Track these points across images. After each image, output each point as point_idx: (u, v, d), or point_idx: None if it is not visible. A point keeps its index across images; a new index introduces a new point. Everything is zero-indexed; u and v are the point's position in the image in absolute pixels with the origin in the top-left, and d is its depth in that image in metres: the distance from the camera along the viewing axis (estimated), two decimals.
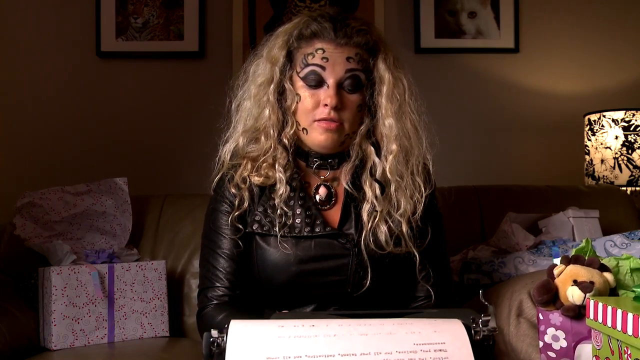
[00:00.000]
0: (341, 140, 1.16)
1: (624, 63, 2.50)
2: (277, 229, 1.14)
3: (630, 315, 0.75)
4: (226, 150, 1.22)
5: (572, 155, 2.46)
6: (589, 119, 2.30)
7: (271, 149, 1.19)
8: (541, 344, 0.94)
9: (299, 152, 1.22)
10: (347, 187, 1.18)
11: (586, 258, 0.96)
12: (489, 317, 0.82)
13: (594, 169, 2.27)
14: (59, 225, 1.60)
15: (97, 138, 2.42)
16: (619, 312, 0.77)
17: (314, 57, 1.14)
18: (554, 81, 2.50)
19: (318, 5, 2.44)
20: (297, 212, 1.16)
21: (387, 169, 1.16)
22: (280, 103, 1.19)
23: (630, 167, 2.19)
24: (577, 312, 0.91)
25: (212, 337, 0.80)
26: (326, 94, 1.13)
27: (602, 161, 2.24)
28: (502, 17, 2.47)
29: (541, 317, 0.94)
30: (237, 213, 1.18)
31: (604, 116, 2.24)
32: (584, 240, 0.99)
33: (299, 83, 1.16)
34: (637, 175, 2.18)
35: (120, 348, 1.41)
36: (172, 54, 2.44)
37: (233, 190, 1.19)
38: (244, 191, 1.19)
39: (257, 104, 1.20)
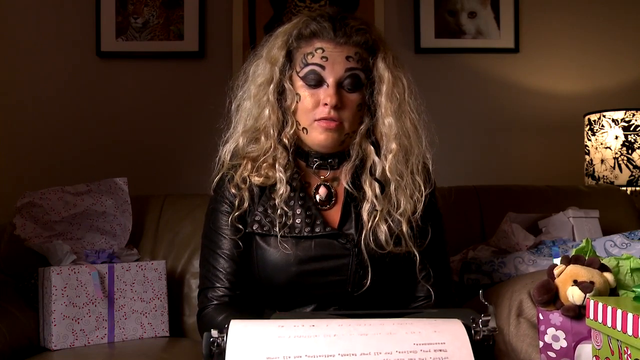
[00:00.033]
0: (341, 140, 1.16)
1: (624, 63, 2.50)
2: (277, 229, 1.14)
3: (630, 315, 0.75)
4: (226, 151, 1.22)
5: (572, 155, 2.46)
6: (589, 119, 2.30)
7: (271, 149, 1.19)
8: (541, 344, 0.94)
9: (299, 152, 1.22)
10: (347, 186, 1.18)
11: (586, 258, 0.96)
12: (489, 317, 0.82)
13: (594, 169, 2.27)
14: (59, 225, 1.60)
15: (97, 138, 2.42)
16: (619, 312, 0.77)
17: (313, 56, 1.14)
18: (554, 81, 2.50)
19: (318, 5, 2.44)
20: (297, 212, 1.16)
21: (387, 168, 1.16)
22: (280, 103, 1.19)
23: (630, 167, 2.19)
24: (577, 312, 0.91)
25: (212, 337, 0.80)
26: (326, 93, 1.13)
27: (602, 161, 2.24)
28: (502, 17, 2.47)
29: (541, 317, 0.94)
30: (237, 213, 1.18)
31: (604, 116, 2.24)
32: (584, 240, 0.99)
33: (299, 83, 1.16)
34: (637, 175, 2.18)
35: (120, 348, 1.41)
36: (172, 54, 2.44)
37: (233, 191, 1.19)
38: (244, 191, 1.19)
39: (257, 104, 1.20)
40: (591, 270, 0.93)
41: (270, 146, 1.19)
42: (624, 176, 2.19)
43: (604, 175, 2.23)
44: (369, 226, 1.14)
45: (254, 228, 1.17)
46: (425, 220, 1.17)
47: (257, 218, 1.17)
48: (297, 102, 1.16)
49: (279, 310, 1.13)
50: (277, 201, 1.16)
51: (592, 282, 0.91)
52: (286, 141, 1.18)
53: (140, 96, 2.45)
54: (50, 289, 1.39)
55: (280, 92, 1.19)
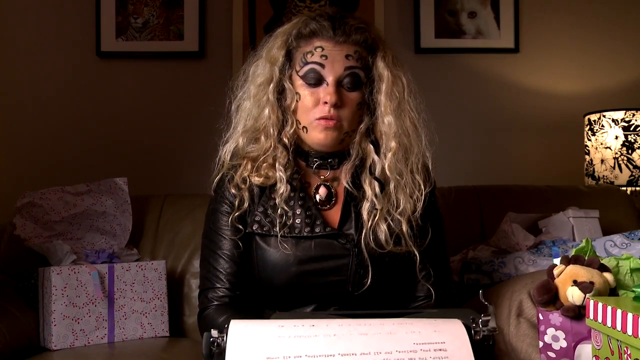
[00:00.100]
0: (340, 138, 1.16)
1: (624, 63, 2.50)
2: (277, 229, 1.14)
3: (630, 315, 0.75)
4: (226, 151, 1.22)
5: (572, 155, 2.46)
6: (589, 119, 2.30)
7: (271, 148, 1.19)
8: (541, 344, 0.94)
9: (299, 152, 1.22)
10: (347, 186, 1.18)
11: (586, 258, 0.96)
12: (489, 317, 0.83)
13: (594, 169, 2.27)
14: (59, 225, 1.60)
15: (97, 138, 2.42)
16: (619, 312, 0.77)
17: (313, 55, 1.14)
18: (554, 81, 2.50)
19: (318, 5, 2.44)
20: (297, 212, 1.16)
21: (387, 167, 1.16)
22: (280, 102, 1.19)
23: (630, 167, 2.19)
24: (577, 312, 0.91)
25: (212, 337, 0.80)
26: (326, 92, 1.13)
27: (602, 161, 2.24)
28: (502, 17, 2.47)
29: (541, 317, 0.94)
30: (237, 213, 1.18)
31: (604, 116, 2.24)
32: (584, 240, 0.99)
33: (299, 82, 1.16)
34: (637, 175, 2.18)
35: (120, 348, 1.41)
36: (172, 54, 2.44)
37: (233, 191, 1.19)
38: (244, 191, 1.19)
39: (257, 104, 1.20)
40: (591, 270, 0.93)
41: (270, 146, 1.19)
42: (624, 176, 2.19)
43: (604, 175, 2.23)
44: (369, 225, 1.14)
45: (254, 228, 1.17)
46: (425, 220, 1.17)
47: (257, 218, 1.17)
48: (297, 101, 1.16)
49: (279, 311, 1.13)
50: (277, 200, 1.16)
51: (591, 282, 0.91)
52: (286, 140, 1.18)
53: (140, 96, 2.45)
54: (50, 289, 1.39)
55: (280, 92, 1.19)
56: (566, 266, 0.95)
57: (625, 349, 0.77)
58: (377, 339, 0.76)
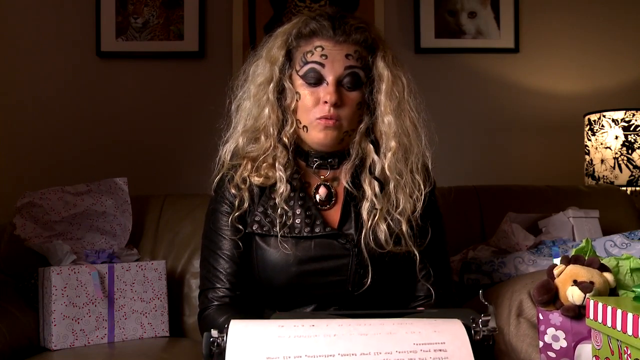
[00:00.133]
0: (340, 138, 1.16)
1: (624, 63, 2.50)
2: (277, 229, 1.14)
3: (630, 315, 0.75)
4: (226, 151, 1.22)
5: (572, 155, 2.46)
6: (589, 119, 2.30)
7: (271, 148, 1.19)
8: (541, 344, 0.94)
9: (299, 152, 1.22)
10: (347, 186, 1.18)
11: (586, 258, 0.96)
12: (489, 317, 0.82)
13: (594, 169, 2.27)
14: (59, 225, 1.60)
15: (97, 138, 2.42)
16: (619, 312, 0.77)
17: (313, 54, 1.14)
18: (554, 81, 2.50)
19: (318, 5, 2.44)
20: (297, 212, 1.16)
21: (386, 167, 1.16)
22: (280, 102, 1.19)
23: (630, 167, 2.19)
24: (577, 312, 0.91)
25: (212, 337, 0.80)
26: (325, 91, 1.13)
27: (602, 161, 2.24)
28: (502, 17, 2.47)
29: (541, 317, 0.94)
30: (237, 214, 1.18)
31: (604, 116, 2.24)
32: (584, 240, 0.99)
33: (299, 81, 1.16)
34: (637, 175, 2.18)
35: (120, 348, 1.41)
36: (172, 54, 2.44)
37: (233, 191, 1.19)
38: (244, 192, 1.19)
39: (257, 103, 1.20)
40: (591, 270, 0.93)
41: (270, 145, 1.19)
42: (624, 176, 2.19)
43: (604, 175, 2.23)
44: (369, 225, 1.14)
45: (254, 228, 1.17)
46: (424, 220, 1.17)
47: (256, 218, 1.17)
48: (297, 100, 1.16)
49: (279, 311, 1.13)
50: (277, 200, 1.16)
51: (592, 282, 0.91)
52: (286, 140, 1.18)
53: (140, 96, 2.45)
54: (50, 289, 1.39)
55: (280, 91, 1.19)
56: (566, 266, 0.95)
57: (625, 349, 0.77)
58: (377, 339, 0.76)
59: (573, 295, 0.91)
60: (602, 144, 2.24)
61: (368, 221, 1.14)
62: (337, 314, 0.91)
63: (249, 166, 1.20)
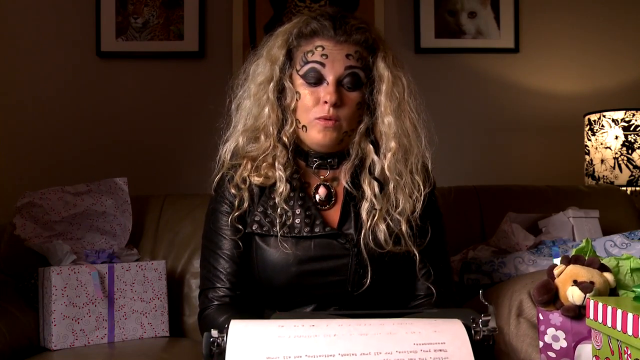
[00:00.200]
0: (340, 138, 1.16)
1: (624, 63, 2.50)
2: (277, 229, 1.14)
3: (630, 315, 0.75)
4: (226, 150, 1.22)
5: (572, 155, 2.46)
6: (589, 119, 2.30)
7: (270, 148, 1.19)
8: (541, 344, 0.94)
9: (298, 152, 1.22)
10: (346, 186, 1.18)
11: (586, 258, 0.96)
12: (489, 317, 0.82)
13: (594, 169, 2.27)
14: (59, 225, 1.60)
15: (97, 138, 2.42)
16: (619, 312, 0.77)
17: (313, 54, 1.14)
18: (554, 81, 2.50)
19: (318, 5, 2.44)
20: (297, 212, 1.16)
21: (386, 167, 1.16)
22: (280, 101, 1.19)
23: (630, 167, 2.19)
24: (577, 312, 0.91)
25: (212, 337, 0.80)
26: (326, 91, 1.13)
27: (602, 161, 2.24)
28: (502, 17, 2.47)
29: (541, 317, 0.94)
30: (236, 213, 1.18)
31: (604, 116, 2.24)
32: (584, 240, 0.99)
33: (299, 81, 1.16)
34: (637, 175, 2.18)
35: (120, 348, 1.41)
36: (172, 54, 2.44)
37: (233, 191, 1.19)
38: (243, 191, 1.19)
39: (257, 102, 1.20)
40: (591, 270, 0.93)
41: (270, 145, 1.19)
42: (624, 176, 2.19)
43: (604, 175, 2.23)
44: (368, 225, 1.14)
45: (254, 228, 1.17)
46: (424, 220, 1.17)
47: (256, 218, 1.17)
48: (296, 100, 1.16)
49: (279, 311, 1.13)
50: (276, 200, 1.16)
51: (592, 282, 0.91)
52: (286, 140, 1.18)
53: (140, 96, 2.45)
54: (50, 289, 1.39)
55: (280, 91, 1.19)
56: (566, 266, 0.95)
57: (625, 349, 0.77)
58: (377, 339, 0.76)
59: (573, 295, 0.91)
60: (602, 144, 2.24)
61: (367, 221, 1.14)
62: (337, 314, 0.91)
63: (249, 166, 1.20)
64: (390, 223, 1.14)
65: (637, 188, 2.22)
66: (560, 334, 0.92)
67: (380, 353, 0.74)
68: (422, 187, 1.17)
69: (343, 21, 1.15)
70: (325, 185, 1.20)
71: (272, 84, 1.18)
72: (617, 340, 0.78)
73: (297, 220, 1.15)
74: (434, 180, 1.24)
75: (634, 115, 2.20)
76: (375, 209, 1.15)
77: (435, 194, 1.26)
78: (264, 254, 1.16)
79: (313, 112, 1.14)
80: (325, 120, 1.13)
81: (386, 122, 1.16)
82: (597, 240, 1.41)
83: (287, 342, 0.75)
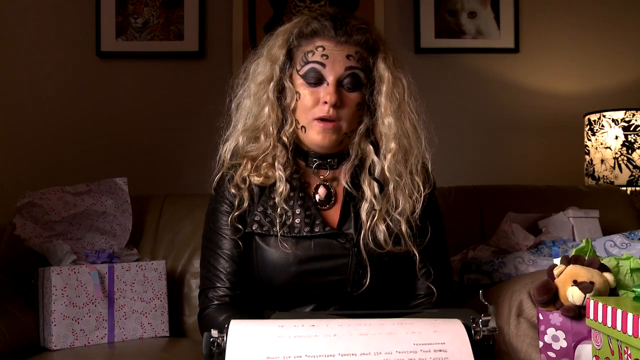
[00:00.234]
0: (339, 140, 1.16)
1: (624, 63, 2.50)
2: (277, 229, 1.14)
3: (630, 315, 0.75)
4: (226, 149, 1.22)
5: (572, 155, 2.46)
6: (589, 119, 2.30)
7: (270, 147, 1.19)
8: (541, 344, 0.94)
9: (298, 152, 1.22)
10: (346, 186, 1.18)
11: (586, 258, 0.96)
12: (489, 317, 0.82)
13: (594, 169, 2.27)
14: (59, 225, 1.60)
15: (97, 138, 2.42)
16: (619, 312, 0.77)
17: (314, 54, 1.14)
18: (554, 81, 2.50)
19: (318, 5, 2.44)
20: (297, 212, 1.16)
21: (386, 168, 1.16)
22: (280, 101, 1.19)
23: (630, 167, 2.19)
24: (577, 312, 0.91)
25: (212, 337, 0.80)
26: (326, 92, 1.13)
27: (602, 161, 2.24)
28: (502, 17, 2.47)
29: (541, 317, 0.94)
30: (236, 213, 1.18)
31: (604, 116, 2.24)
32: (584, 240, 0.99)
33: (299, 81, 1.16)
34: (637, 175, 2.18)
35: (120, 348, 1.41)
36: (172, 54, 2.44)
37: (233, 191, 1.19)
38: (243, 191, 1.19)
39: (257, 102, 1.20)
40: (591, 270, 0.93)
41: (270, 145, 1.19)
42: (624, 176, 2.19)
43: (604, 175, 2.23)
44: (368, 226, 1.14)
45: (254, 228, 1.17)
46: (424, 220, 1.17)
47: (256, 218, 1.17)
48: (296, 100, 1.16)
49: (279, 310, 1.13)
50: (276, 200, 1.16)
51: (592, 282, 0.91)
52: (285, 139, 1.18)
53: (140, 96, 2.45)
54: (50, 289, 1.39)
55: (280, 91, 1.19)
56: (566, 266, 0.95)
57: (625, 349, 0.77)
58: (377, 339, 0.76)
59: (573, 295, 0.91)
60: (602, 144, 2.24)
61: (367, 222, 1.14)
62: (337, 314, 0.91)
63: (249, 166, 1.20)
64: (390, 223, 1.14)
65: (637, 188, 2.22)
66: (560, 334, 0.92)
67: (380, 353, 0.74)
68: (422, 188, 1.17)
69: (344, 21, 1.15)
70: (325, 185, 1.20)
71: (272, 84, 1.18)
72: (617, 340, 0.78)
73: (297, 220, 1.15)
74: (434, 181, 1.24)
75: (634, 115, 2.19)
76: (375, 210, 1.15)
77: (435, 195, 1.26)
78: (264, 254, 1.16)
79: (313, 112, 1.14)
80: (325, 121, 1.13)
81: (386, 123, 1.16)
82: (597, 240, 1.41)
83: (287, 342, 0.75)
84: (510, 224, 1.59)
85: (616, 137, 2.21)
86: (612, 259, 0.97)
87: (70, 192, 1.62)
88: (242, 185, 1.19)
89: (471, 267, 1.50)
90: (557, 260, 0.99)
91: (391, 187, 1.16)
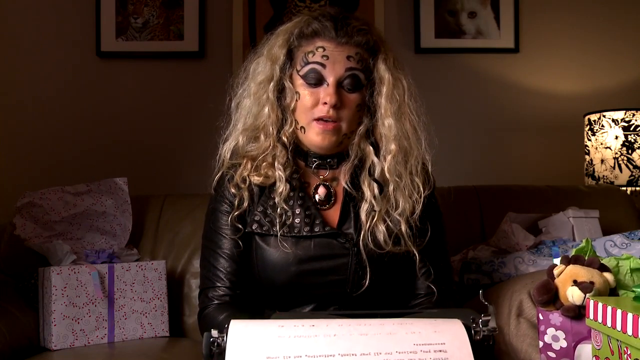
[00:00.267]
0: (339, 141, 1.17)
1: (624, 63, 2.50)
2: (277, 229, 1.14)
3: (630, 315, 0.75)
4: (226, 149, 1.22)
5: (572, 155, 2.46)
6: (589, 119, 2.30)
7: (270, 147, 1.19)
8: (541, 344, 0.94)
9: (298, 152, 1.22)
10: (346, 186, 1.19)
11: (586, 258, 0.96)
12: (489, 317, 0.82)
13: (594, 169, 2.27)
14: (59, 225, 1.60)
15: (97, 138, 2.42)
16: (619, 312, 0.77)
17: (314, 55, 1.14)
18: (554, 81, 2.50)
19: (318, 5, 2.44)
20: (297, 212, 1.16)
21: (386, 169, 1.16)
22: (280, 101, 1.19)
23: (630, 167, 2.19)
24: (577, 312, 0.91)
25: (212, 337, 0.80)
26: (326, 92, 1.13)
27: (602, 161, 2.24)
28: (502, 17, 2.47)
29: (541, 317, 0.94)
30: (236, 213, 1.18)
31: (604, 116, 2.24)
32: (584, 240, 0.99)
33: (299, 81, 1.16)
34: (637, 175, 2.18)
35: (120, 348, 1.41)
36: (172, 54, 2.44)
37: (233, 190, 1.19)
38: (243, 191, 1.19)
39: (257, 102, 1.20)
40: (591, 270, 0.93)
41: (270, 145, 1.19)
42: (624, 176, 2.19)
43: (604, 175, 2.23)
44: (367, 226, 1.14)
45: (254, 228, 1.17)
46: (424, 220, 1.17)
47: (256, 218, 1.17)
48: (296, 100, 1.16)
49: (279, 310, 1.13)
50: (276, 200, 1.16)
51: (592, 282, 0.91)
52: (285, 140, 1.18)
53: (140, 96, 2.45)
54: (50, 289, 1.38)
55: (280, 91, 1.19)
56: (566, 266, 0.95)
57: (625, 349, 0.77)
58: (377, 340, 0.76)
59: (573, 295, 0.91)
60: (602, 144, 2.24)
61: (366, 223, 1.14)
62: (337, 314, 0.91)
63: (249, 165, 1.20)
64: (390, 224, 1.14)
65: (637, 188, 2.22)
66: (560, 334, 0.92)
67: (380, 353, 0.74)
68: (421, 189, 1.17)
69: (345, 22, 1.15)
70: (324, 185, 1.20)
71: (272, 84, 1.18)
72: (617, 340, 0.78)
73: (297, 220, 1.15)
74: (434, 182, 1.24)
75: (634, 115, 2.19)
76: (375, 211, 1.15)
77: (436, 195, 1.26)
78: (264, 254, 1.16)
79: (312, 113, 1.14)
80: (325, 122, 1.13)
81: (386, 124, 1.16)
82: (597, 240, 1.41)
83: (287, 342, 0.75)
84: (510, 224, 1.59)
85: (616, 137, 2.21)
86: (612, 259, 0.97)
87: (70, 192, 1.62)
88: (242, 185, 1.19)
89: (471, 267, 1.50)
90: (557, 260, 0.99)
91: (391, 188, 1.16)
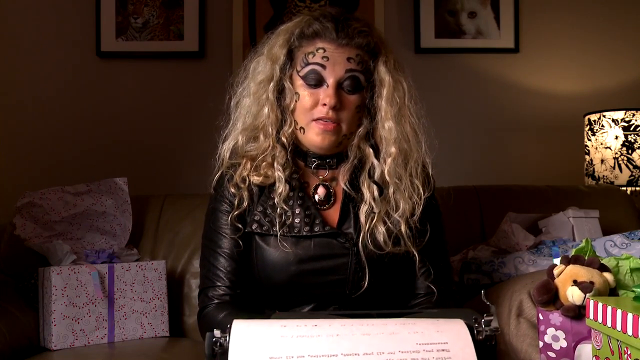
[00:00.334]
0: (338, 141, 1.16)
1: (624, 63, 2.50)
2: (277, 229, 1.14)
3: (630, 315, 0.75)
4: (226, 148, 1.22)
5: (572, 155, 2.46)
6: (589, 119, 2.30)
7: (270, 148, 1.19)
8: (541, 344, 0.94)
9: (297, 152, 1.22)
10: (345, 187, 1.19)
11: (586, 258, 0.96)
12: (492, 317, 0.82)
13: (594, 169, 2.27)
14: (59, 225, 1.60)
15: (97, 138, 2.42)
16: (619, 312, 0.77)
17: (314, 56, 1.14)
18: (554, 81, 2.50)
19: (318, 5, 2.44)
20: (296, 212, 1.16)
21: (386, 172, 1.16)
22: (280, 101, 1.19)
23: (630, 167, 2.19)
24: (577, 312, 0.91)
25: (215, 337, 0.80)
26: (325, 94, 1.13)
27: (602, 161, 2.24)
28: (502, 17, 2.47)
29: (541, 317, 0.94)
30: (236, 213, 1.18)
31: (604, 116, 2.24)
32: (584, 240, 0.99)
33: (299, 82, 1.16)
34: (637, 175, 2.18)
35: (120, 348, 1.41)
36: (172, 54, 2.44)
37: (232, 190, 1.19)
38: (243, 191, 1.19)
39: (257, 101, 1.20)
40: (591, 270, 0.93)
41: (269, 145, 1.19)
42: (624, 176, 2.19)
43: (604, 175, 2.23)
44: (367, 228, 1.14)
45: (253, 228, 1.17)
46: (424, 221, 1.17)
47: (256, 218, 1.17)
48: (296, 101, 1.16)
49: (279, 310, 1.13)
50: (276, 200, 1.16)
51: (591, 282, 0.91)
52: (284, 140, 1.18)
53: (140, 96, 2.45)
54: (50, 289, 1.38)
55: (280, 91, 1.19)
56: (566, 266, 0.95)
57: (625, 349, 0.77)
58: (380, 339, 0.76)
59: (573, 295, 0.91)
60: (602, 144, 2.24)
61: (366, 224, 1.14)
62: (339, 314, 0.91)
63: (249, 165, 1.20)
64: (390, 225, 1.14)
65: (637, 188, 2.22)
66: (560, 334, 0.92)
67: (382, 353, 0.74)
68: (421, 191, 1.17)
69: (345, 24, 1.15)
70: (324, 185, 1.21)
71: (272, 84, 1.18)
72: (617, 340, 0.78)
73: (297, 220, 1.16)
74: (434, 184, 1.24)
75: (634, 115, 2.20)
76: (374, 212, 1.15)
77: (436, 197, 1.26)
78: (264, 254, 1.16)
79: (312, 114, 1.14)
80: (325, 123, 1.13)
81: (386, 127, 1.16)
82: (597, 240, 1.41)
83: (289, 342, 0.75)
84: (510, 224, 1.59)
85: (616, 137, 2.21)
86: (612, 259, 0.97)
87: (70, 192, 1.62)
88: (242, 185, 1.19)
89: (471, 267, 1.50)
90: (557, 260, 0.99)
91: (391, 190, 1.16)
